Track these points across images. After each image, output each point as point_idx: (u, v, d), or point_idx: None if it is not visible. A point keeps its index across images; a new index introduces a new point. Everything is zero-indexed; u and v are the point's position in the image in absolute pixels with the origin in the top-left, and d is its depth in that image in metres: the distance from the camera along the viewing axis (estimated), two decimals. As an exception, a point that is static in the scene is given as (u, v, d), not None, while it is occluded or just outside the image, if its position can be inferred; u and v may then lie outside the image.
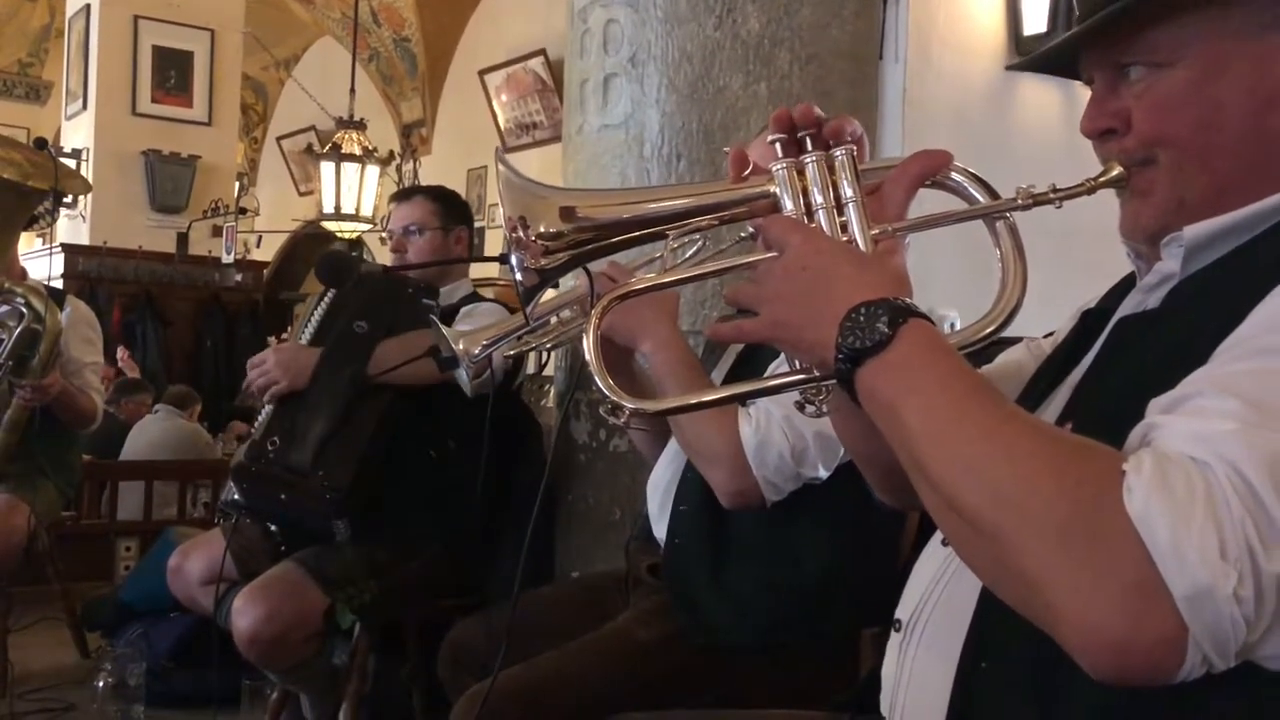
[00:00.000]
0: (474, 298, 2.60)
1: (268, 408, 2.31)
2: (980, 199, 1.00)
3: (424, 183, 9.47)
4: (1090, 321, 1.06)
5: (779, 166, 0.99)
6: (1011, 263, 0.96)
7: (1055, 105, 2.72)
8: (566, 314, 1.80)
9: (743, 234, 1.10)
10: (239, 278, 7.19)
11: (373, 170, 8.07)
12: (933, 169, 0.99)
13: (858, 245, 0.96)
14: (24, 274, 3.30)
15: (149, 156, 7.38)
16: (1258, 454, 0.68)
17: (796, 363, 0.97)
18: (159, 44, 7.52)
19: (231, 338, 7.47)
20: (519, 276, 0.96)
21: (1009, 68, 1.20)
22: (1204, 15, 0.89)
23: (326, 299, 2.40)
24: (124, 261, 7.10)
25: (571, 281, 1.82)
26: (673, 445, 1.87)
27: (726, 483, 1.62)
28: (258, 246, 9.31)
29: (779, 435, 1.60)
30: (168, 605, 3.23)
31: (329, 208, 8.00)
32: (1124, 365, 0.92)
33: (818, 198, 0.98)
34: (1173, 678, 0.68)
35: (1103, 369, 0.95)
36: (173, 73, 7.57)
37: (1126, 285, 1.05)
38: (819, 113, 1.00)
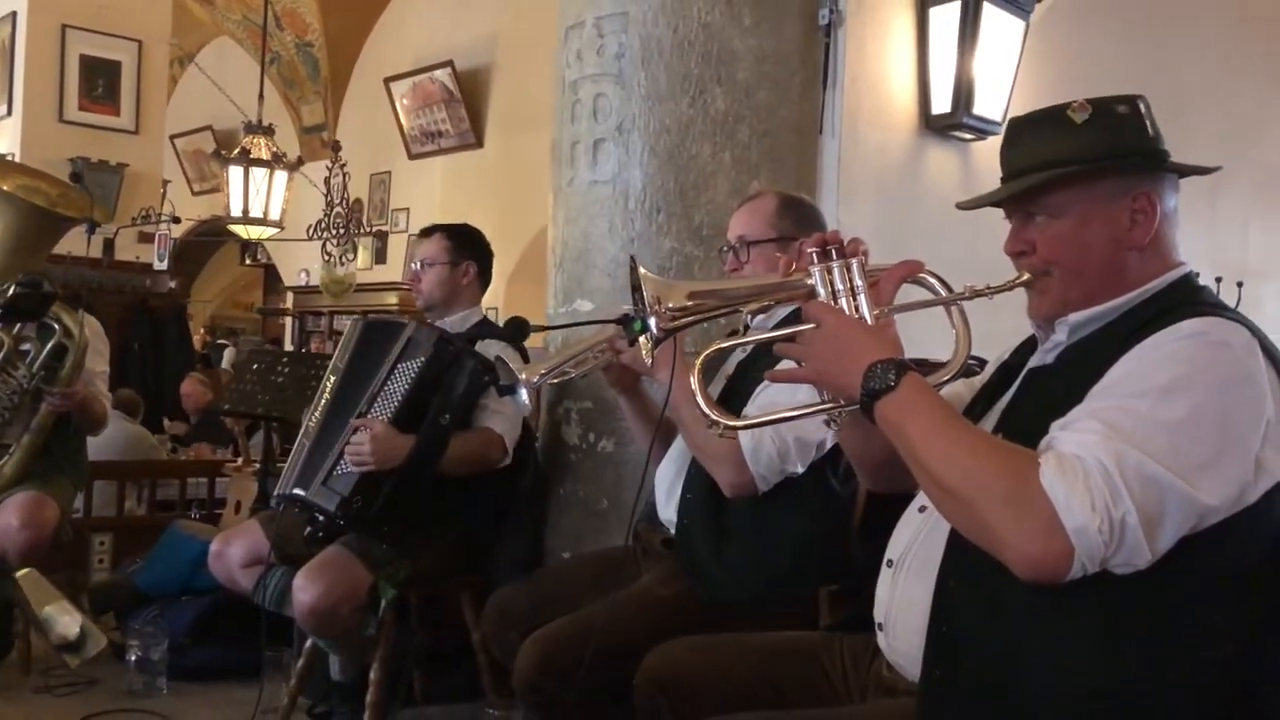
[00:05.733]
0: (484, 324, 3.06)
1: (358, 470, 2.66)
2: (941, 292, 1.55)
3: (333, 188, 9.65)
4: (1006, 370, 1.63)
5: (816, 268, 1.52)
6: (962, 335, 1.51)
7: (955, 170, 3.35)
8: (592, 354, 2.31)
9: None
10: (173, 284, 7.40)
11: (281, 175, 8.27)
12: (911, 272, 1.54)
13: (866, 320, 1.50)
14: (44, 290, 3.61)
15: (76, 163, 7.51)
16: (1110, 454, 1.24)
17: (825, 394, 1.51)
18: (86, 53, 7.66)
19: (158, 341, 7.65)
20: (654, 332, 1.47)
21: (958, 206, 1.73)
22: (1080, 187, 1.46)
23: (414, 370, 2.69)
24: (53, 266, 7.18)
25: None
26: (675, 447, 2.40)
27: (730, 477, 2.16)
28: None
29: (769, 440, 2.14)
30: (179, 589, 3.63)
31: (236, 211, 8.18)
32: (1033, 400, 1.49)
33: (840, 287, 1.51)
34: (1066, 577, 1.24)
35: (1018, 402, 1.52)
36: (100, 82, 7.71)
37: (1029, 345, 1.62)
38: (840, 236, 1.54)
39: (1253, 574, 1.32)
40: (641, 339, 1.54)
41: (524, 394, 2.22)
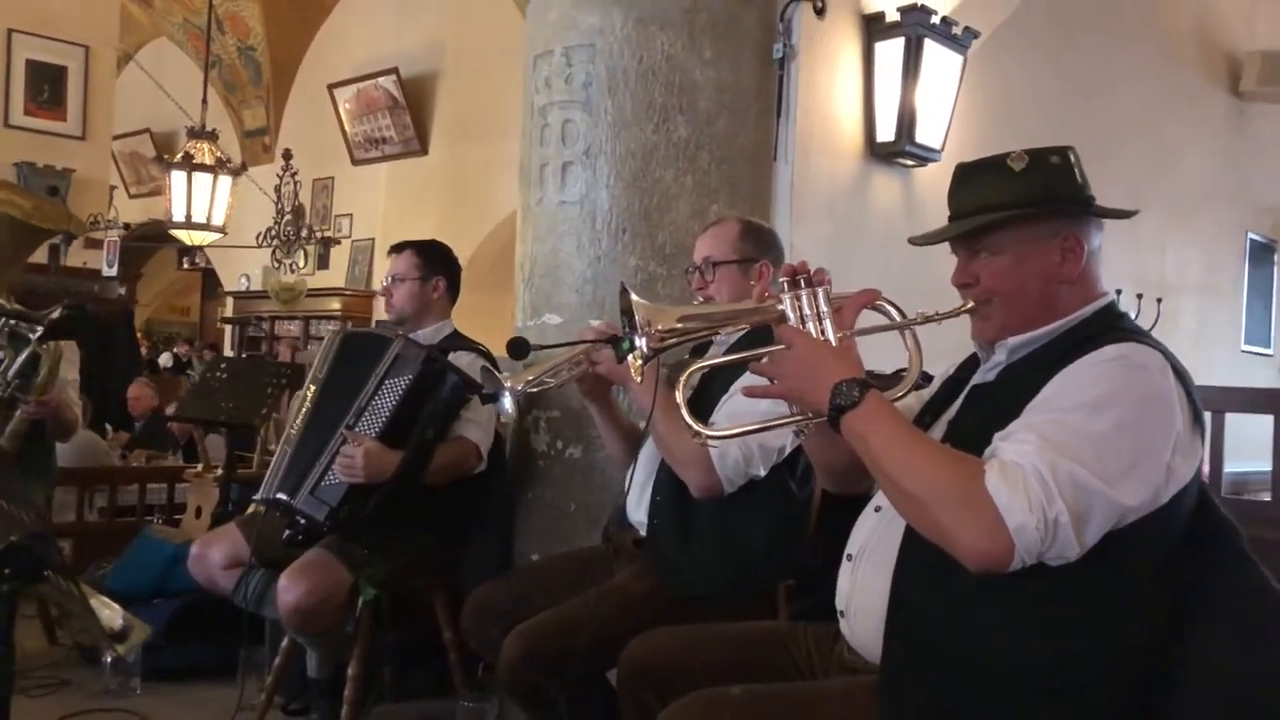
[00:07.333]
0: (455, 336, 3.21)
1: (346, 482, 2.79)
2: (896, 317, 1.75)
3: (284, 195, 9.69)
4: (951, 384, 1.83)
5: (786, 295, 1.71)
6: (914, 356, 1.72)
7: (898, 195, 3.58)
8: (568, 368, 2.47)
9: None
10: (123, 290, 7.40)
11: (225, 180, 8.27)
12: (870, 300, 1.74)
13: (831, 342, 1.69)
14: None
15: (22, 168, 7.49)
16: (1045, 462, 1.44)
17: (794, 408, 1.70)
18: (33, 58, 7.65)
19: (106, 346, 7.63)
20: (644, 350, 1.65)
21: (910, 241, 1.93)
22: (1018, 229, 1.67)
23: (402, 386, 2.81)
24: (1, 273, 7.17)
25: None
26: (645, 452, 2.57)
27: (699, 479, 2.34)
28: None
29: (734, 447, 2.33)
30: (151, 592, 3.72)
31: (179, 216, 8.17)
32: (976, 413, 1.69)
33: (808, 312, 1.70)
34: (1008, 568, 1.44)
35: (964, 414, 1.73)
36: (46, 87, 7.70)
37: (971, 362, 1.83)
38: (808, 265, 1.73)
39: (1164, 565, 1.54)
40: (630, 357, 1.71)
41: (508, 401, 2.38)
